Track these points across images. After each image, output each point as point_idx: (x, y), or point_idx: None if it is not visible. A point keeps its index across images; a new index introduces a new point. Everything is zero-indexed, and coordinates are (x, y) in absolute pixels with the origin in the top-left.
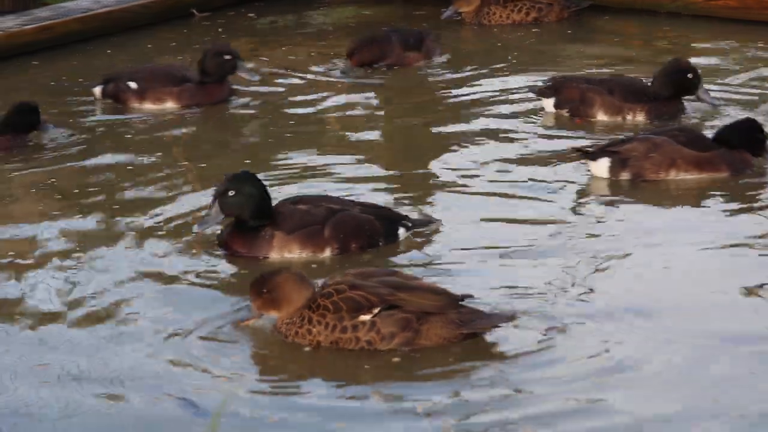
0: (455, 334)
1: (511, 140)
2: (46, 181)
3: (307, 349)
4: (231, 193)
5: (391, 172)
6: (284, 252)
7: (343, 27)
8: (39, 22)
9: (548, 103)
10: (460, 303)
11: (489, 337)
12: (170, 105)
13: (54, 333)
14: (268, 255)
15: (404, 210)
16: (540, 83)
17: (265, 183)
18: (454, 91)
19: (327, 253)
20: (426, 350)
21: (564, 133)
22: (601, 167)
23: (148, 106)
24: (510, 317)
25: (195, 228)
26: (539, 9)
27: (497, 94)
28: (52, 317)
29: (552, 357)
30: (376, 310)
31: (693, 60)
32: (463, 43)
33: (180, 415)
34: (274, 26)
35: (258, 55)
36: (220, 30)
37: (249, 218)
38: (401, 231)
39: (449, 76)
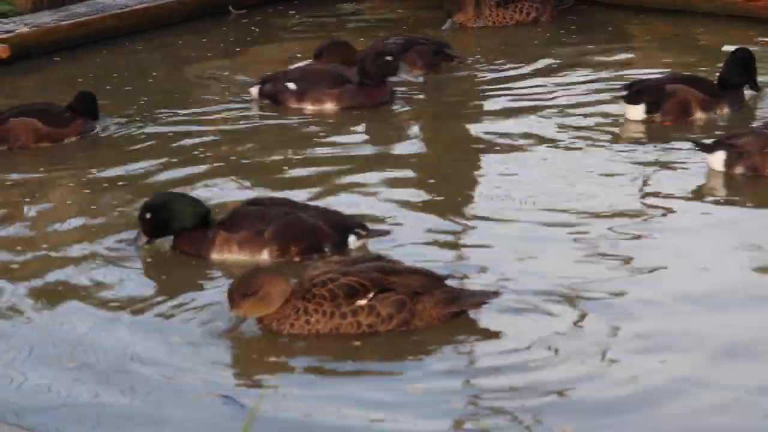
0: (446, 313)
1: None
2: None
3: (302, 344)
4: (147, 215)
5: None
6: (224, 252)
7: (381, 24)
8: (75, 18)
9: (637, 110)
10: (444, 282)
11: (473, 315)
12: (329, 106)
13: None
14: (209, 254)
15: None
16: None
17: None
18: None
19: (265, 255)
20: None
21: (656, 137)
22: (718, 160)
23: (307, 106)
24: (494, 293)
25: (131, 249)
26: (536, 8)
27: (573, 96)
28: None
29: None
30: (371, 294)
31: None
32: (482, 48)
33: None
34: (310, 23)
35: (295, 52)
36: (253, 28)
37: (182, 230)
38: (352, 239)
39: (492, 76)
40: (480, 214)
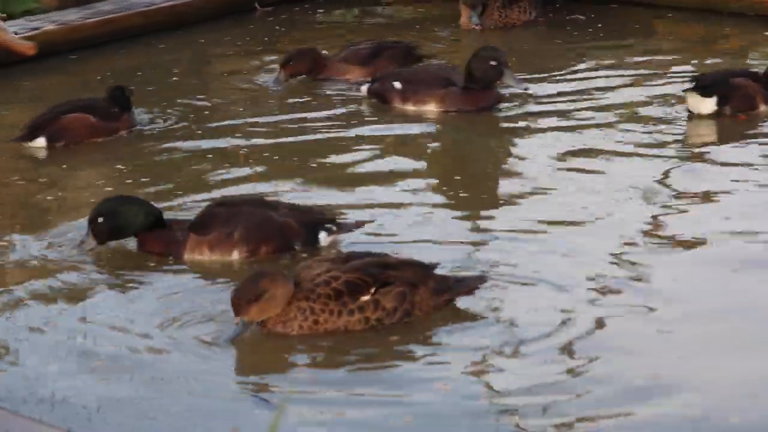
0: (440, 301)
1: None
2: None
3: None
4: (100, 219)
5: None
6: (195, 254)
7: (406, 23)
8: (101, 16)
9: (708, 103)
10: (433, 271)
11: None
12: (432, 108)
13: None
14: (181, 256)
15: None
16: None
17: None
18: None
19: (235, 256)
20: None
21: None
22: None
23: (410, 107)
24: (482, 279)
25: (75, 252)
26: (536, 8)
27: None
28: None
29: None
30: (373, 290)
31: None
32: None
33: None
34: (336, 22)
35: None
36: (278, 27)
37: (130, 234)
38: (322, 235)
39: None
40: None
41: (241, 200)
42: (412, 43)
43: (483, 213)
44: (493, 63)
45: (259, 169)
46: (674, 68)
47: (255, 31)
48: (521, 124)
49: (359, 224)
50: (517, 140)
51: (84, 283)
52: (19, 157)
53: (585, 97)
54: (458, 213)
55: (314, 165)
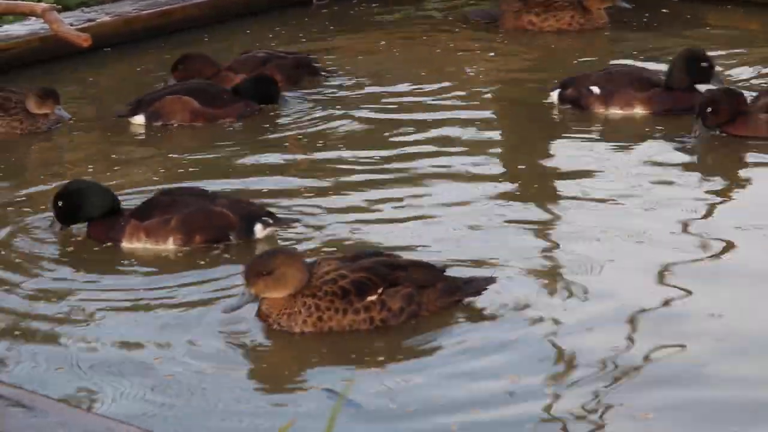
0: (448, 302)
1: None
2: None
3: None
4: (59, 203)
5: None
6: (134, 240)
7: (464, 18)
8: (156, 7)
9: None
10: (443, 273)
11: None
12: (638, 111)
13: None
14: (120, 241)
15: None
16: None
17: None
18: None
19: (170, 244)
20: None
21: None
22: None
23: (615, 111)
24: (490, 280)
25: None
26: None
27: None
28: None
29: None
30: (380, 290)
31: None
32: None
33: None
34: (393, 16)
35: (378, 44)
36: (334, 19)
37: (89, 219)
38: (258, 227)
39: None
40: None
41: (183, 190)
42: (309, 55)
43: None
44: (704, 64)
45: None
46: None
47: (309, 24)
48: None
49: (297, 219)
50: None
51: None
52: (121, 132)
53: None
54: None
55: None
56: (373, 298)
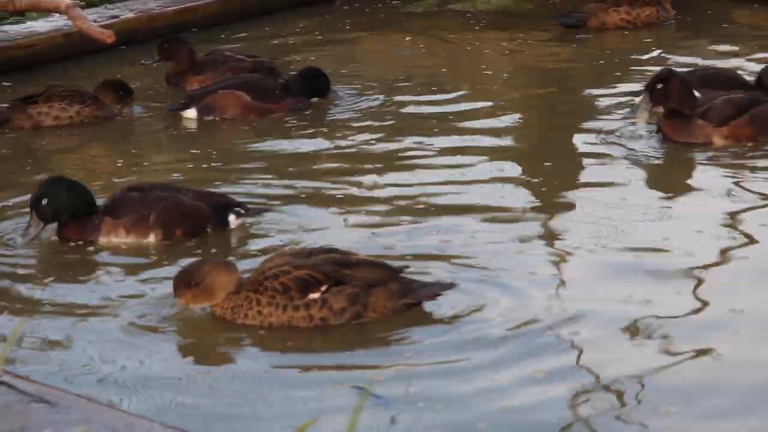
0: (400, 305)
1: None
2: None
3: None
4: (44, 201)
5: None
6: (112, 236)
7: (481, 15)
8: (180, 4)
9: None
10: (399, 274)
11: (427, 306)
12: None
13: None
14: (96, 239)
15: None
16: None
17: None
18: None
19: (151, 238)
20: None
21: None
22: None
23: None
24: (449, 285)
25: (18, 241)
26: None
27: None
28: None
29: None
30: (324, 288)
31: None
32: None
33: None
34: (414, 14)
35: (399, 44)
36: (356, 18)
37: (71, 217)
38: (232, 218)
39: None
40: None
41: (151, 185)
42: (271, 60)
43: None
44: None
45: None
46: None
47: (331, 21)
48: None
49: (267, 209)
50: None
51: None
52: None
53: None
54: None
55: None
56: (315, 295)
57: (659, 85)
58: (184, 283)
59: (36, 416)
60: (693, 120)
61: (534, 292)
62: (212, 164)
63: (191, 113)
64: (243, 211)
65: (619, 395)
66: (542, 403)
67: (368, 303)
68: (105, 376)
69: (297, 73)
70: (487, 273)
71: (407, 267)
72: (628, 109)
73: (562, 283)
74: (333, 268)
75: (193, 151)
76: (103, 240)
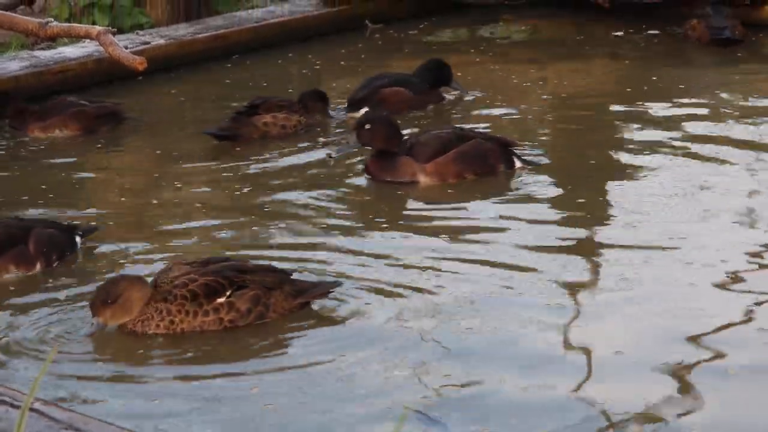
0: (294, 305)
1: None
2: None
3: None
4: (367, 126)
5: None
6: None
7: (519, 43)
8: (212, 31)
9: None
10: (290, 277)
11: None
12: None
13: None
14: None
15: None
16: None
17: None
18: None
19: (38, 268)
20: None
21: None
22: None
23: None
24: (335, 284)
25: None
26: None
27: None
28: None
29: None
30: (228, 292)
31: None
32: None
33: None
34: (444, 42)
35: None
36: (389, 43)
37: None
38: (78, 239)
39: None
40: None
41: (5, 222)
42: (117, 104)
43: None
44: None
45: None
46: None
47: (364, 48)
48: None
49: (96, 228)
50: None
51: None
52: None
53: None
54: None
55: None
56: (221, 300)
57: (367, 126)
58: (102, 301)
59: None
60: (398, 158)
61: None
62: None
63: (362, 112)
64: (82, 234)
65: None
66: None
67: (269, 304)
68: (135, 404)
69: (422, 66)
70: None
71: (297, 270)
72: (336, 148)
73: None
74: (233, 274)
75: None
76: None
